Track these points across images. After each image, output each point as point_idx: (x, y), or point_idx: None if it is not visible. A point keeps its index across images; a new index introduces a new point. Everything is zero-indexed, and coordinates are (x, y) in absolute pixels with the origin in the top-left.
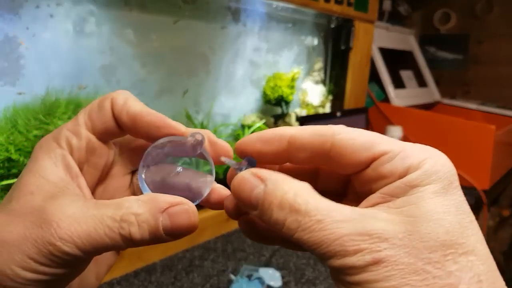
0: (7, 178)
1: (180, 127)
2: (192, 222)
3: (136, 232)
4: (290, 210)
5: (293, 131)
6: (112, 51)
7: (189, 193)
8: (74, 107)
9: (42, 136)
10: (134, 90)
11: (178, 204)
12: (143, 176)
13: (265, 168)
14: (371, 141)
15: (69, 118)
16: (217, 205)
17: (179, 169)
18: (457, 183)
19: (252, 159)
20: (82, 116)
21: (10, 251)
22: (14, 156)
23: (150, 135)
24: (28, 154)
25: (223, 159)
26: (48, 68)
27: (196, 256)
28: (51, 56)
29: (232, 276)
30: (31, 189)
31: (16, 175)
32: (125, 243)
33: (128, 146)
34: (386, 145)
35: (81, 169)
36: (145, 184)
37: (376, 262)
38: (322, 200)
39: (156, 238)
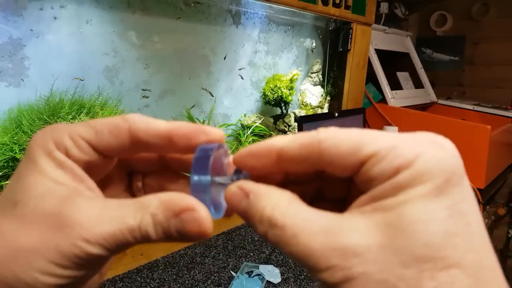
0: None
1: (218, 132)
2: (202, 230)
3: (152, 231)
4: (269, 225)
5: (280, 144)
6: (115, 52)
7: (221, 203)
8: (78, 108)
9: None
10: (137, 91)
11: (191, 210)
12: (200, 183)
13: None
14: (357, 144)
15: (73, 118)
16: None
17: (224, 179)
18: (457, 179)
19: (240, 171)
20: (87, 131)
21: (29, 258)
22: (19, 156)
23: (188, 147)
24: None
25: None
26: (52, 69)
27: (197, 253)
28: (55, 58)
29: (233, 273)
30: (41, 192)
31: None
32: (145, 241)
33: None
34: (374, 146)
35: None
36: (199, 189)
37: (347, 280)
38: (302, 211)
39: (170, 238)
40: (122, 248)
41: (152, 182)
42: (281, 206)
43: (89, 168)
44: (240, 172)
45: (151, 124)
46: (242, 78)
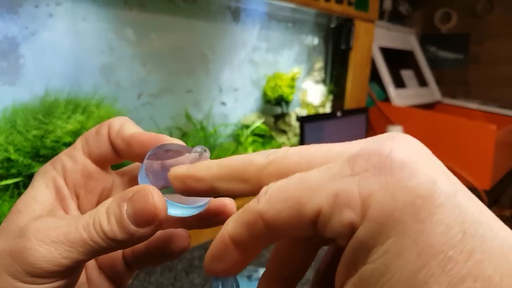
0: (6, 178)
1: (177, 142)
2: (150, 205)
3: (105, 222)
4: None
5: (228, 234)
6: (112, 50)
7: (187, 202)
8: (74, 107)
9: (42, 136)
10: (134, 90)
11: (140, 189)
12: (145, 175)
13: None
14: (296, 205)
15: (68, 118)
16: (216, 215)
17: None
18: (429, 203)
19: (218, 279)
20: (80, 141)
21: None
22: (13, 156)
23: (143, 155)
24: (27, 154)
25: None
26: (48, 67)
27: (196, 257)
28: (51, 56)
29: None
30: (18, 208)
31: (15, 175)
32: (101, 238)
33: (130, 174)
34: (313, 203)
35: (78, 194)
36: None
37: None
38: None
39: (126, 229)
40: (78, 250)
41: None
42: None
43: (85, 178)
44: (218, 280)
45: (122, 126)
46: (224, 104)
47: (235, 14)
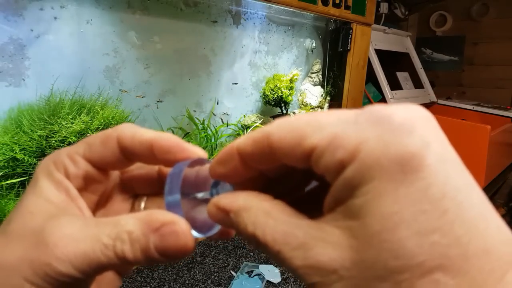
0: (12, 177)
1: (197, 151)
2: (182, 244)
3: (128, 250)
4: (255, 243)
5: (237, 145)
6: (116, 53)
7: (209, 221)
8: (78, 107)
9: (47, 136)
10: (137, 91)
11: (170, 223)
12: (172, 196)
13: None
14: (300, 134)
15: (73, 118)
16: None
17: (204, 194)
18: (417, 160)
19: (218, 183)
20: (82, 147)
21: (9, 274)
22: (19, 156)
23: (166, 160)
24: (32, 153)
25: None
26: (53, 69)
27: (197, 253)
28: (56, 58)
29: (233, 273)
30: (30, 209)
31: (20, 174)
32: (121, 262)
33: (131, 172)
34: (314, 137)
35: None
36: (172, 205)
37: None
38: (280, 223)
39: (150, 258)
40: (95, 269)
41: (153, 205)
42: (260, 221)
43: (87, 183)
44: (218, 184)
45: (136, 132)
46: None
47: (236, 18)
